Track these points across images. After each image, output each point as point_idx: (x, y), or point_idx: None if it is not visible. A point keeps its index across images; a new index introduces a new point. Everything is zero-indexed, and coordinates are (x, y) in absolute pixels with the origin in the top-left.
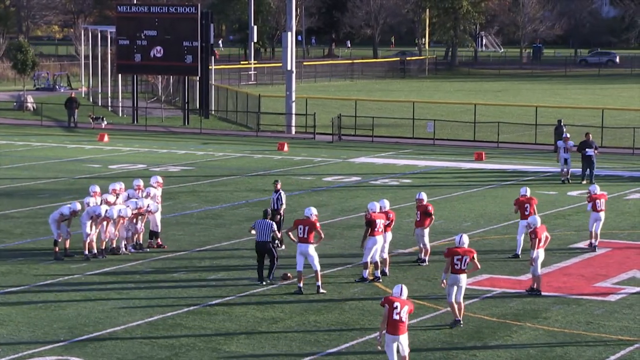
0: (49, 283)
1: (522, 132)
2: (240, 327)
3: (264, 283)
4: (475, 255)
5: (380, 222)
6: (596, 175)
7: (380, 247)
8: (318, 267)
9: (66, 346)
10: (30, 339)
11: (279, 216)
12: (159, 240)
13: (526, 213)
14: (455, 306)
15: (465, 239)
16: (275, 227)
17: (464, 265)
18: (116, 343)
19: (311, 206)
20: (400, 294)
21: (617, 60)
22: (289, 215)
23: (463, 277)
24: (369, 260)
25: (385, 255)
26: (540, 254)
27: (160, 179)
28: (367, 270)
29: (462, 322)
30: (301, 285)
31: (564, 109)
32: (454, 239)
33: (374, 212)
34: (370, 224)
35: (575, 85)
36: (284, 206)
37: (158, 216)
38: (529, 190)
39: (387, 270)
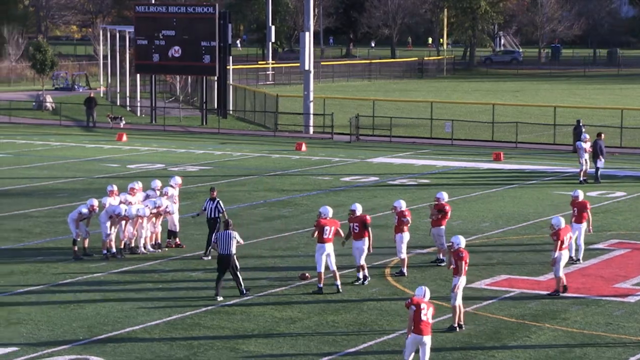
0: (68, 282)
1: (540, 132)
2: (259, 327)
3: (221, 298)
4: None
5: (331, 229)
6: (615, 176)
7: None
8: (335, 267)
9: (85, 345)
10: (50, 338)
11: (217, 225)
12: (177, 239)
13: (580, 216)
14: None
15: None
16: (238, 236)
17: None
18: (135, 342)
19: (326, 205)
20: (424, 296)
21: (521, 58)
22: (307, 215)
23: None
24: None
25: (404, 256)
26: (563, 255)
27: (179, 180)
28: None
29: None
30: (322, 285)
31: (583, 109)
32: (474, 239)
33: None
34: (367, 226)
35: (594, 85)
36: (223, 214)
37: (176, 216)
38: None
39: (405, 270)
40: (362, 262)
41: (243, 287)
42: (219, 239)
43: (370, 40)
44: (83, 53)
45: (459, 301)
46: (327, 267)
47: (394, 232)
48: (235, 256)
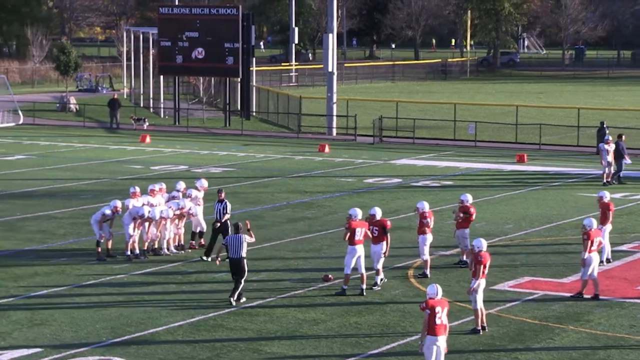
0: (91, 283)
1: (564, 134)
2: (282, 329)
3: (244, 299)
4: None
5: (362, 231)
6: (639, 178)
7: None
8: (364, 270)
9: (108, 347)
10: (73, 339)
11: (219, 224)
12: (202, 240)
13: (604, 217)
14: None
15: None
16: (248, 238)
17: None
18: (158, 344)
19: (355, 207)
20: (437, 294)
21: (518, 60)
22: (330, 217)
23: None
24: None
25: (426, 257)
26: (593, 258)
27: (205, 184)
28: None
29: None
30: (346, 287)
31: (607, 110)
32: (497, 241)
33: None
34: (387, 231)
35: (618, 86)
36: (228, 215)
37: (201, 217)
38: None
39: (428, 272)
40: (379, 266)
41: (237, 295)
42: (229, 243)
43: (392, 42)
44: (107, 55)
45: (480, 304)
46: (354, 269)
47: (417, 234)
48: (245, 260)
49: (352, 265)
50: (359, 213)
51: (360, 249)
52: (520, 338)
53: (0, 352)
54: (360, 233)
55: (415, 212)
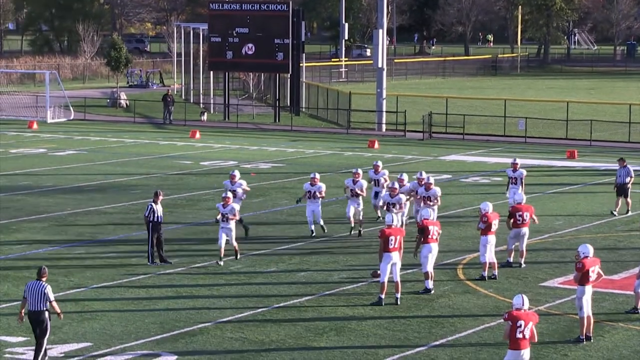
0: (140, 278)
1: (615, 130)
2: (330, 324)
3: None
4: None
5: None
6: None
7: (435, 255)
8: (399, 278)
9: (157, 341)
10: (123, 334)
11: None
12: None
13: None
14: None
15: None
16: (50, 291)
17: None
18: (207, 338)
19: (390, 214)
20: (522, 305)
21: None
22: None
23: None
24: (429, 269)
25: (485, 260)
26: None
27: (317, 176)
28: (430, 280)
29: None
30: (383, 296)
31: None
32: (547, 237)
33: (427, 219)
34: (423, 231)
35: None
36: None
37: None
38: None
39: (485, 274)
40: (428, 269)
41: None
42: (28, 290)
43: (444, 38)
44: (157, 50)
45: (587, 312)
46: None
47: (480, 235)
48: (47, 314)
49: (388, 273)
50: (393, 219)
51: (395, 256)
52: (570, 335)
53: (51, 346)
54: (394, 241)
55: (479, 213)
